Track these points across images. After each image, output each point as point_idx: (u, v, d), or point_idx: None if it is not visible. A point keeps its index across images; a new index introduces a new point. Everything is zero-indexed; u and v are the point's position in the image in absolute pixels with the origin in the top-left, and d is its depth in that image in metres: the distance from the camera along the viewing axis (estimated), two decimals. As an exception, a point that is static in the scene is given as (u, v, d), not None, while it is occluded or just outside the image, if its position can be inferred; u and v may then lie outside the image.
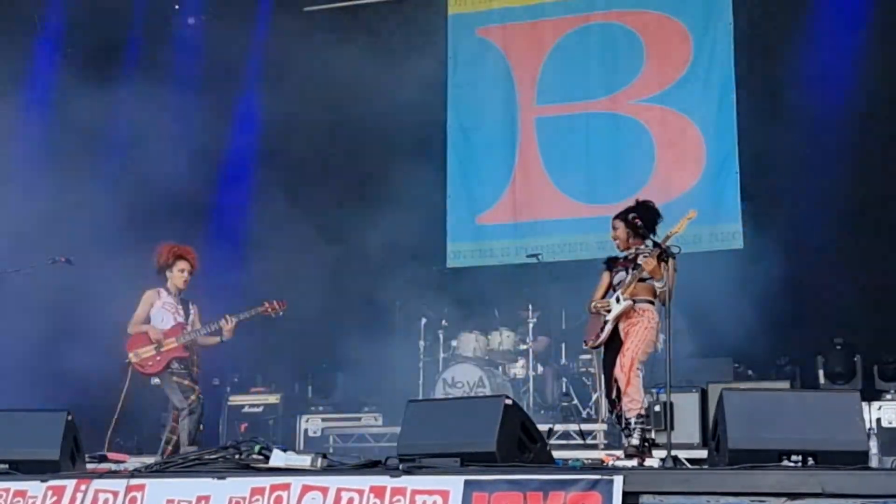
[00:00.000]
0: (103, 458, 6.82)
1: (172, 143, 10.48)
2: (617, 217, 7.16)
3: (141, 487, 5.46)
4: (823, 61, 9.90)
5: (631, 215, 7.04)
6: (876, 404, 8.30)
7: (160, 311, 8.01)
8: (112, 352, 8.30)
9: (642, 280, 6.91)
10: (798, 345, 9.30)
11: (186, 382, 7.84)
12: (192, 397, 7.77)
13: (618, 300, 6.93)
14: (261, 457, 5.82)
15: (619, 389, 6.80)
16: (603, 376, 7.20)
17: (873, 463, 6.21)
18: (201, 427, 7.90)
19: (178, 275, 8.05)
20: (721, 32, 10.64)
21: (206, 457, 5.86)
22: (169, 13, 11.77)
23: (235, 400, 10.37)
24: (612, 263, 7.18)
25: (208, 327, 8.00)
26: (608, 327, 6.96)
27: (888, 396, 8.49)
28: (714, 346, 9.58)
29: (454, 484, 4.93)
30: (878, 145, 9.56)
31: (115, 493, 5.46)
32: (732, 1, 10.54)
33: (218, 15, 11.56)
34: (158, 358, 7.85)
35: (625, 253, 7.14)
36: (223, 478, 5.40)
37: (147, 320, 7.97)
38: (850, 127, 9.63)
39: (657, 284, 6.78)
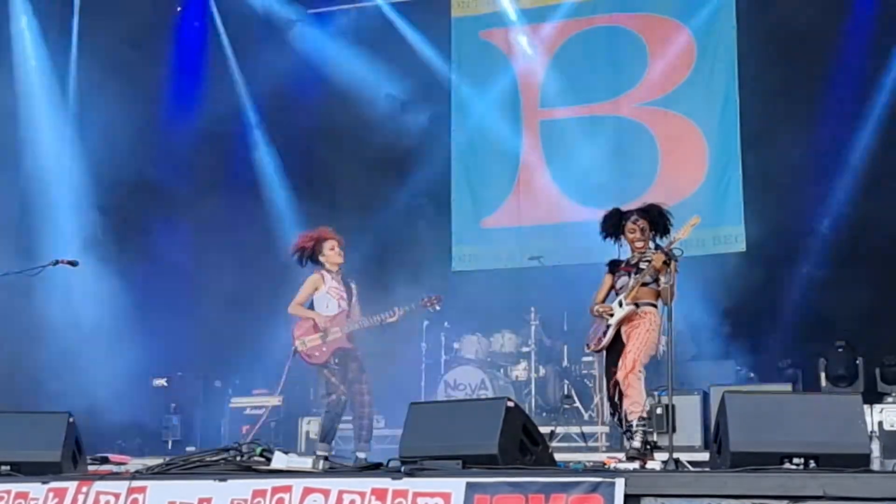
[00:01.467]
0: (105, 460, 6.81)
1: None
2: (639, 215, 7.06)
3: (142, 489, 5.46)
4: (828, 65, 9.91)
5: (657, 216, 6.99)
6: (878, 407, 8.28)
7: (324, 295, 7.89)
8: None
9: (645, 284, 6.91)
10: (800, 347, 9.30)
11: (333, 380, 7.81)
12: (333, 397, 7.78)
13: (620, 304, 6.92)
14: (262, 459, 5.83)
15: (620, 392, 6.79)
16: (605, 379, 7.19)
17: (875, 466, 6.20)
18: (337, 426, 7.96)
19: (331, 253, 7.89)
20: (724, 36, 10.66)
21: (208, 458, 5.86)
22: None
23: (237, 402, 10.36)
24: (614, 267, 7.16)
25: (371, 319, 7.92)
26: (611, 331, 6.95)
27: (890, 399, 8.47)
28: (716, 348, 9.58)
29: (456, 486, 4.93)
30: (881, 149, 9.55)
31: (117, 495, 5.46)
32: (736, 5, 10.56)
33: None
34: (325, 348, 7.81)
35: (627, 257, 7.12)
36: (224, 480, 5.39)
37: (310, 305, 7.89)
38: (852, 131, 9.63)
39: (662, 279, 6.75)
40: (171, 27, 11.77)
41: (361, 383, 7.91)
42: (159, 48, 11.52)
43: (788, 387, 8.78)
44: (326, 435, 7.87)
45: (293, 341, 7.87)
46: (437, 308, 8.22)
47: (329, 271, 7.90)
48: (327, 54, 11.67)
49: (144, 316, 10.26)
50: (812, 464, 5.03)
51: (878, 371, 8.68)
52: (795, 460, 5.03)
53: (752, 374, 9.39)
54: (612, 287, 7.09)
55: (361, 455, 7.61)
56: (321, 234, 7.97)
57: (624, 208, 7.17)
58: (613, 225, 7.14)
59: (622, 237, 7.12)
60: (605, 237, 7.20)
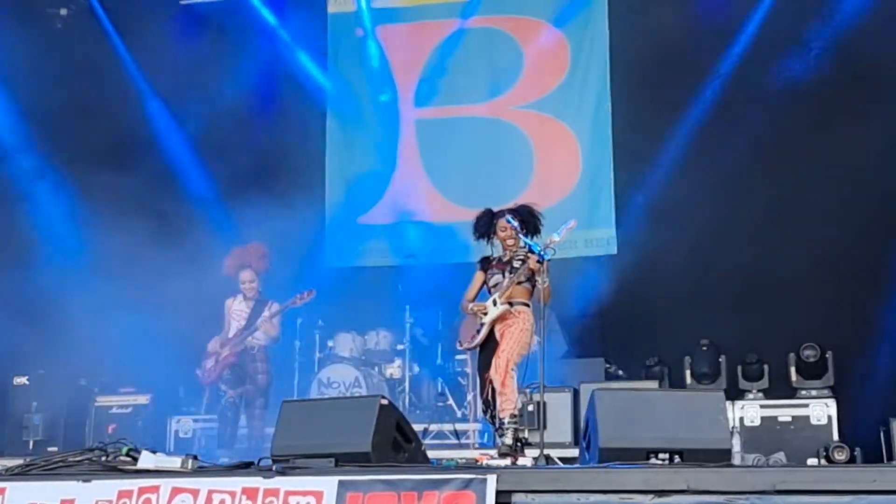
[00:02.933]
0: (-38, 461, 6.56)
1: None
2: (510, 216, 7.12)
3: (1, 491, 5.27)
4: (699, 71, 10.20)
5: (528, 215, 7.07)
6: (739, 403, 8.57)
7: (229, 318, 8.71)
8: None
9: (519, 283, 6.99)
10: (666, 346, 9.53)
11: (223, 386, 8.57)
12: (222, 401, 8.54)
13: (494, 303, 6.98)
14: (129, 458, 5.69)
15: (493, 390, 6.85)
16: (478, 377, 7.25)
17: (736, 460, 6.42)
18: (230, 430, 8.49)
19: (244, 286, 8.70)
20: (597, 42, 10.82)
21: (71, 459, 5.69)
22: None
23: (103, 400, 10.08)
24: (485, 264, 7.22)
25: (248, 330, 8.59)
26: (484, 330, 7.00)
27: (750, 396, 8.77)
28: (586, 347, 9.76)
29: (328, 484, 4.91)
30: (743, 158, 9.87)
31: (-26, 497, 5.26)
32: (608, 12, 10.76)
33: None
34: (216, 372, 8.61)
35: (500, 254, 7.19)
36: (89, 480, 5.25)
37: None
38: (718, 139, 9.93)
39: (538, 280, 6.84)
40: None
41: (255, 399, 8.55)
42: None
43: (655, 384, 9.01)
44: (228, 441, 8.43)
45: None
46: (309, 299, 8.65)
47: (244, 295, 8.71)
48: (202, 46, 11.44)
49: (2, 309, 9.88)
50: (677, 459, 5.17)
51: (739, 369, 8.97)
52: (661, 455, 5.17)
53: (620, 372, 9.59)
54: (484, 284, 7.15)
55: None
56: (243, 260, 8.70)
57: (496, 209, 7.24)
58: (485, 224, 7.21)
59: (493, 237, 7.19)
60: (477, 237, 7.26)
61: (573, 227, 6.97)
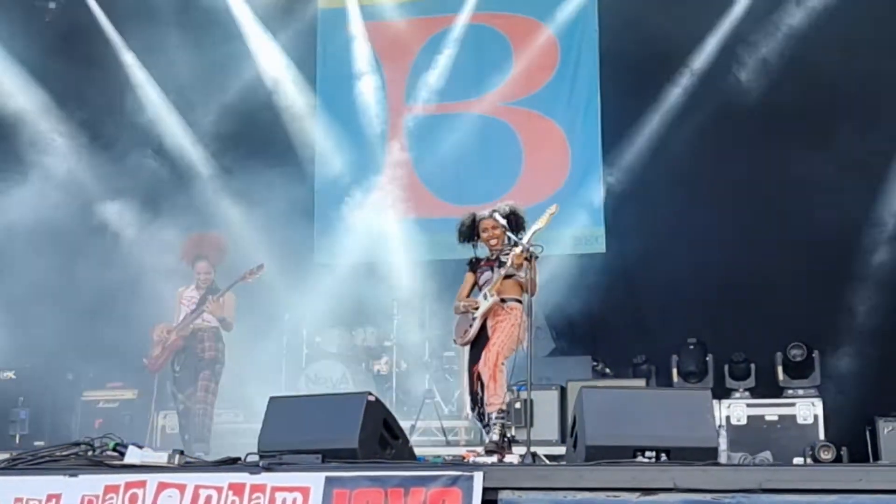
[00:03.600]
0: (-53, 455, 6.53)
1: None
2: (491, 218, 7.14)
3: (-13, 485, 5.25)
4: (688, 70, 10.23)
5: (511, 214, 7.08)
6: (726, 402, 8.61)
7: (179, 306, 8.55)
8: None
9: (509, 277, 6.99)
10: (654, 344, 9.56)
11: (173, 388, 8.47)
12: (182, 407, 8.33)
13: (485, 297, 6.99)
14: (115, 453, 5.68)
15: (482, 385, 6.85)
16: (467, 372, 7.25)
17: (722, 459, 6.44)
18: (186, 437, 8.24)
19: (198, 277, 8.55)
20: (587, 39, 10.84)
21: (58, 453, 5.68)
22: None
23: (90, 395, 10.06)
24: (474, 264, 7.23)
25: (197, 313, 8.41)
26: (476, 324, 7.00)
27: (737, 395, 8.80)
28: (573, 344, 9.78)
29: (315, 481, 4.90)
30: (733, 152, 9.90)
31: (-40, 491, 5.24)
32: (598, 9, 10.77)
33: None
34: (162, 359, 8.48)
35: (487, 254, 7.19)
36: (75, 475, 5.24)
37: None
38: (708, 137, 9.96)
39: (520, 275, 6.85)
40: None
41: (196, 381, 8.34)
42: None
43: (642, 382, 9.03)
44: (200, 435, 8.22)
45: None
46: (259, 275, 8.54)
47: (196, 285, 8.54)
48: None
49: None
50: (663, 457, 5.19)
51: (726, 368, 9.00)
52: (648, 453, 5.18)
53: (607, 370, 9.62)
54: (475, 284, 7.15)
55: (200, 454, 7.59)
56: (200, 250, 8.55)
57: (478, 210, 7.24)
58: (469, 228, 7.21)
59: (478, 240, 7.19)
60: (461, 241, 7.25)
61: (555, 212, 6.97)
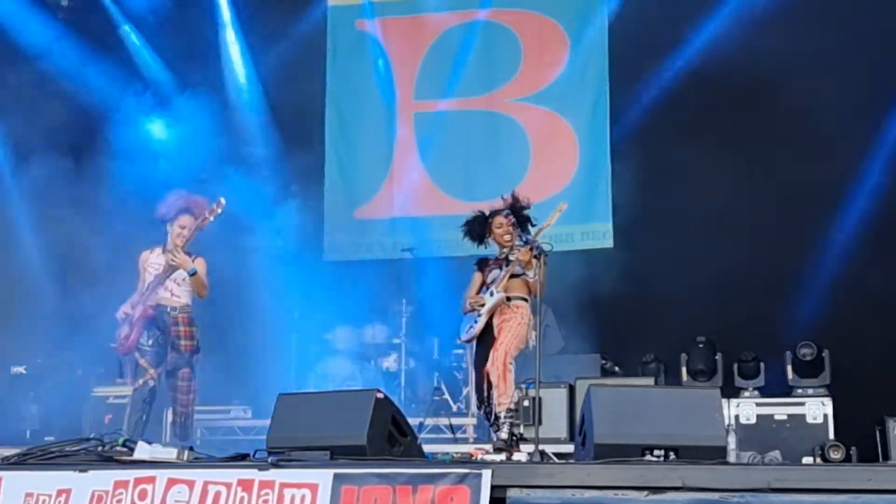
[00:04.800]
0: (-44, 450, 6.54)
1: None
2: (501, 214, 7.14)
3: (-2, 480, 5.28)
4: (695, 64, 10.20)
5: (520, 210, 7.10)
6: (735, 401, 8.58)
7: (143, 273, 7.44)
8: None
9: (516, 276, 6.99)
10: (663, 342, 9.54)
11: (143, 360, 7.25)
12: (140, 381, 7.17)
13: (491, 294, 6.99)
14: (125, 449, 5.70)
15: (489, 384, 6.86)
16: (474, 371, 7.26)
17: (731, 458, 6.43)
18: (144, 418, 7.15)
19: (173, 233, 7.33)
20: (596, 35, 10.82)
21: (68, 449, 5.71)
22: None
23: (100, 391, 10.08)
24: (482, 264, 7.24)
25: (159, 280, 7.25)
26: (482, 321, 7.01)
27: (746, 394, 8.78)
28: (582, 342, 9.77)
29: (323, 477, 4.92)
30: (742, 150, 9.88)
31: (-30, 486, 5.27)
32: (608, 4, 10.76)
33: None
34: (132, 335, 7.31)
35: (496, 253, 7.20)
36: (85, 470, 5.27)
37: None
38: (714, 132, 9.93)
39: (529, 275, 6.86)
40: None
41: (179, 370, 7.42)
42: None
43: (651, 381, 9.00)
44: (134, 429, 7.03)
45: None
46: (220, 211, 7.30)
47: (164, 248, 7.40)
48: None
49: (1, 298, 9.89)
50: (672, 455, 5.18)
51: (735, 366, 8.97)
52: (656, 452, 5.18)
53: (616, 368, 9.60)
54: (483, 283, 7.16)
55: None
56: (189, 203, 7.39)
57: (487, 210, 7.24)
58: (480, 226, 7.22)
59: (488, 238, 7.20)
60: (472, 240, 7.26)
61: (563, 209, 6.99)
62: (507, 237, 7.08)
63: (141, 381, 7.17)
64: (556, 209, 6.99)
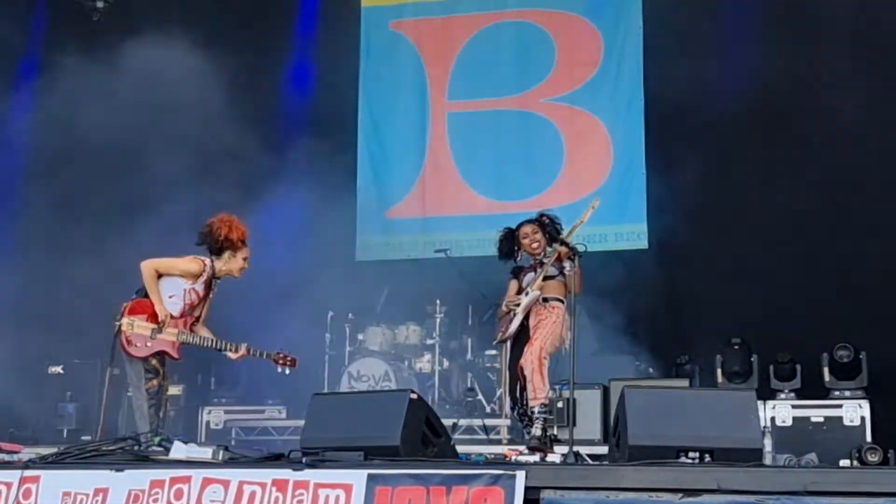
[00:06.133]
0: (-6, 449, 6.62)
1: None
2: (529, 224, 7.16)
3: (35, 479, 5.34)
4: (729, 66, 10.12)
5: (546, 221, 7.12)
6: (770, 403, 8.51)
7: (180, 289, 6.81)
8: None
9: (550, 277, 6.99)
10: (698, 344, 9.48)
11: (154, 362, 6.77)
12: (154, 382, 6.71)
13: (526, 293, 6.99)
14: (160, 449, 5.74)
15: (523, 382, 6.85)
16: (507, 371, 7.25)
17: (767, 460, 6.38)
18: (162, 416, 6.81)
19: (241, 262, 6.94)
20: (631, 35, 10.79)
21: (104, 448, 5.76)
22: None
23: (136, 390, 10.16)
24: (517, 271, 7.25)
25: (208, 341, 6.91)
26: (517, 320, 7.00)
27: (782, 396, 8.70)
28: (616, 343, 9.73)
29: (357, 478, 4.93)
30: (775, 151, 9.80)
31: (9, 485, 5.33)
32: (643, 4, 10.72)
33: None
34: (149, 344, 6.72)
35: (530, 262, 7.20)
36: (122, 470, 5.31)
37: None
38: (751, 133, 9.86)
39: (566, 266, 6.85)
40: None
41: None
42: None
43: (686, 382, 8.95)
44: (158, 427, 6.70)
45: (118, 314, 6.80)
46: (287, 371, 7.17)
47: (215, 275, 6.96)
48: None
49: (40, 299, 9.99)
50: (707, 458, 5.15)
51: (771, 368, 8.89)
52: (691, 454, 5.14)
53: (651, 370, 9.56)
54: (520, 289, 7.15)
55: None
56: (239, 235, 6.94)
57: (514, 226, 7.26)
58: (508, 241, 7.24)
59: (518, 252, 7.21)
60: (502, 257, 7.27)
61: (596, 206, 7.00)
62: (535, 245, 7.10)
63: (155, 382, 6.82)
64: (590, 206, 6.99)
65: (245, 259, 6.99)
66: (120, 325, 6.73)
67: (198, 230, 7.02)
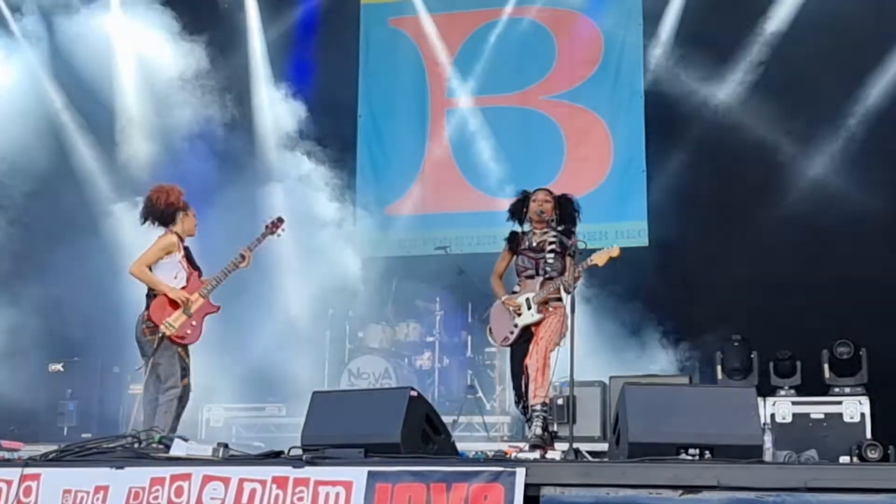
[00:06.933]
0: (-6, 446, 6.62)
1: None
2: (545, 191, 7.16)
3: (36, 477, 5.34)
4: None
5: (564, 199, 7.10)
6: (771, 400, 8.51)
7: (175, 264, 6.91)
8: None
9: (550, 279, 6.99)
10: (698, 341, 9.48)
11: (188, 359, 6.89)
12: (186, 380, 6.82)
13: (529, 307, 6.97)
14: (161, 446, 5.74)
15: (527, 379, 6.85)
16: (510, 368, 7.25)
17: (767, 457, 6.38)
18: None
19: (193, 219, 7.06)
20: (632, 33, 10.80)
21: (105, 445, 5.76)
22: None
23: (136, 389, 10.14)
24: (513, 242, 7.19)
25: (226, 272, 6.97)
26: (518, 331, 7.03)
27: (782, 392, 8.71)
28: (616, 340, 9.72)
29: (357, 475, 4.94)
30: (776, 150, 9.81)
31: (9, 482, 5.34)
32: (643, 2, 10.72)
33: None
34: (194, 322, 6.82)
35: (528, 229, 7.15)
36: (122, 467, 5.31)
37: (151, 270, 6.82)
38: (751, 130, 9.86)
39: (561, 278, 6.85)
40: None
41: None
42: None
43: (686, 379, 8.95)
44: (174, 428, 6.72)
45: (148, 326, 6.81)
46: (282, 231, 7.31)
47: (181, 239, 7.03)
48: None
49: (40, 298, 10.00)
50: (707, 454, 5.15)
51: (771, 365, 8.89)
52: (691, 451, 5.15)
53: (651, 366, 9.54)
54: (512, 257, 7.13)
55: None
56: (180, 196, 7.03)
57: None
58: (520, 202, 7.23)
59: (526, 213, 7.16)
60: (511, 219, 7.25)
61: (616, 256, 6.96)
62: (542, 210, 7.02)
63: (187, 381, 6.91)
64: (608, 252, 6.94)
65: (194, 215, 7.13)
66: (163, 335, 6.80)
67: (139, 212, 7.15)
